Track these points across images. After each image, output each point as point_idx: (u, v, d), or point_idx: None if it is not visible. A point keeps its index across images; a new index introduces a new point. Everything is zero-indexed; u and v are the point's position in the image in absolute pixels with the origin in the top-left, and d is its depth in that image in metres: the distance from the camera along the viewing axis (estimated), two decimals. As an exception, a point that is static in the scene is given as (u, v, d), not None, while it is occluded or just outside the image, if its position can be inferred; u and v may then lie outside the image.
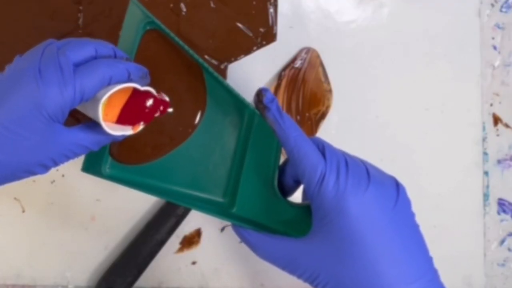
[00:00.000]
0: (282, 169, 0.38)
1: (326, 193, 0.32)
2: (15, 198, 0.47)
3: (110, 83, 0.33)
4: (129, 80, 0.34)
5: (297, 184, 0.38)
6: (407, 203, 0.33)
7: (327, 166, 0.32)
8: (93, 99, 0.33)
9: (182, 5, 0.47)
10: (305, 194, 0.38)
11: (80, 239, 0.47)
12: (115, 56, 0.35)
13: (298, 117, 0.48)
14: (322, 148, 0.34)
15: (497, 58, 0.52)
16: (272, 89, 0.48)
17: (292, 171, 0.37)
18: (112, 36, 0.46)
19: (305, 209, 0.37)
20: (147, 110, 0.35)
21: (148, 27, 0.39)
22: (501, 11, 0.52)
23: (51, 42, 0.34)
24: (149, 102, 0.35)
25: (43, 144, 0.32)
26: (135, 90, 0.34)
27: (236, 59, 0.48)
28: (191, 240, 0.49)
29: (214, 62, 0.48)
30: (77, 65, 0.32)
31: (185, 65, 0.40)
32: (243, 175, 0.39)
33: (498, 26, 0.52)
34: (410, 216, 0.33)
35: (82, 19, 0.46)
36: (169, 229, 0.47)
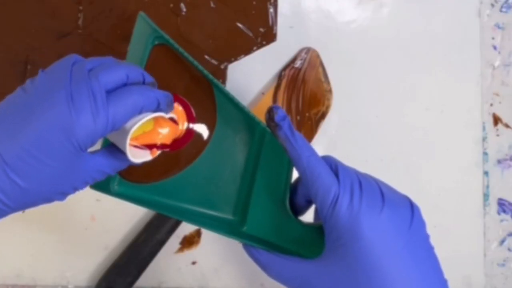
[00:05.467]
0: (294, 188, 0.37)
1: (340, 215, 0.31)
2: (15, 198, 0.47)
3: (141, 112, 0.32)
4: (157, 109, 0.33)
5: (309, 203, 0.37)
6: (421, 224, 0.33)
7: (341, 188, 0.32)
8: (121, 128, 0.32)
9: (182, 5, 0.47)
10: (317, 214, 0.38)
11: (80, 239, 0.47)
12: (144, 81, 0.33)
13: (298, 117, 0.48)
14: (335, 168, 0.33)
15: (497, 58, 0.52)
16: (272, 89, 0.48)
17: (304, 191, 0.36)
18: (112, 36, 0.47)
19: (317, 229, 0.36)
20: (166, 137, 0.35)
21: (156, 42, 0.38)
22: (501, 11, 0.52)
23: (77, 60, 0.31)
24: (168, 129, 0.35)
25: (67, 173, 0.30)
26: (159, 118, 0.34)
27: (236, 59, 0.48)
28: (191, 240, 0.49)
29: (214, 62, 0.48)
30: (108, 91, 0.30)
31: (195, 81, 0.39)
32: (254, 193, 0.38)
33: (498, 26, 0.52)
34: (425, 238, 0.32)
35: (82, 19, 0.46)
36: (169, 229, 0.47)
